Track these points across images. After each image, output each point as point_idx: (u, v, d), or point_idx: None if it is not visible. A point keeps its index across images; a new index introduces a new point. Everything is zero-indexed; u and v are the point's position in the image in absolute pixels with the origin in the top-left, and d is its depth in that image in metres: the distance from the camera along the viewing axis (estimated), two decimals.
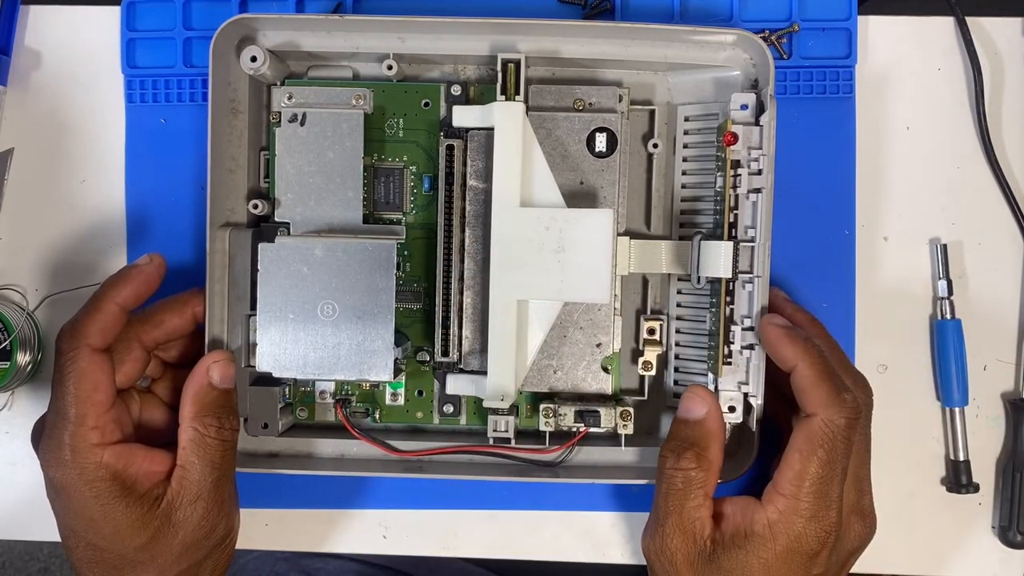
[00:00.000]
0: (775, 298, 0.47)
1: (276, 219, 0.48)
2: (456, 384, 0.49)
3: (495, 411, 0.49)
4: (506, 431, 0.49)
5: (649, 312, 0.51)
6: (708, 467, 0.43)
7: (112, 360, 0.45)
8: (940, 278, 0.52)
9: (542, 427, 0.49)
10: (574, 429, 0.49)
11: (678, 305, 0.51)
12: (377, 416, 0.51)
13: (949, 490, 0.52)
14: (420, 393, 0.51)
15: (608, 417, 0.48)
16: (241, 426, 0.49)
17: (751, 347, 0.46)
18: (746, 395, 0.46)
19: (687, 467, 0.43)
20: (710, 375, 0.48)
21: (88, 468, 0.43)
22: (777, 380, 0.45)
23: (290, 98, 0.49)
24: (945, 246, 0.52)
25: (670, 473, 0.43)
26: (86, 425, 0.43)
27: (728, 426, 0.46)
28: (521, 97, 0.47)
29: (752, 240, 0.46)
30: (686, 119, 0.50)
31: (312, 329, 0.47)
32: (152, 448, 0.45)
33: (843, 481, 0.42)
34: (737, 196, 0.46)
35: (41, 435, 0.44)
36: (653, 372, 0.50)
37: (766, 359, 0.45)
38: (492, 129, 0.46)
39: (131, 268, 0.47)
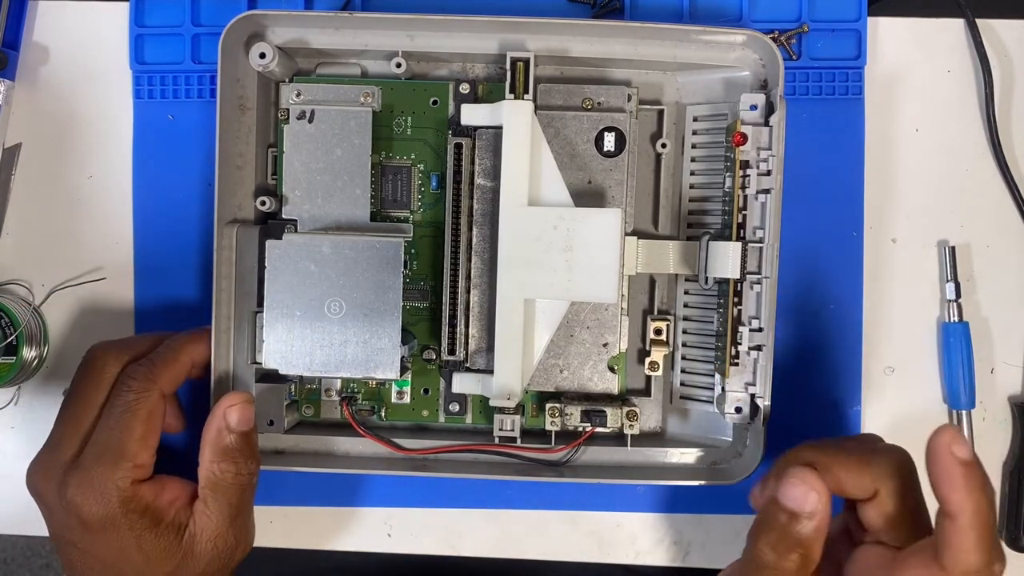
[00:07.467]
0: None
1: (284, 216, 0.48)
2: (462, 383, 0.49)
3: (501, 410, 0.49)
4: (512, 430, 0.49)
5: (656, 312, 0.51)
6: (810, 565, 0.39)
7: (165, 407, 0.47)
8: (948, 280, 0.52)
9: (548, 426, 0.49)
10: (580, 429, 0.49)
11: (685, 306, 0.51)
12: (383, 414, 0.51)
13: None
14: (426, 391, 0.51)
15: (614, 417, 0.48)
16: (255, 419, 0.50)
17: (759, 348, 0.46)
18: (753, 396, 0.46)
19: (788, 568, 0.39)
20: (717, 376, 0.48)
21: (130, 504, 0.43)
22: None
23: (298, 95, 0.49)
24: (953, 248, 0.52)
25: (770, 572, 0.39)
26: (136, 463, 0.44)
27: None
28: (530, 96, 0.46)
29: (760, 241, 0.46)
30: (695, 119, 0.50)
31: (319, 326, 0.47)
32: (172, 478, 0.46)
33: None
34: (746, 197, 0.46)
35: (49, 470, 0.44)
36: (660, 372, 0.50)
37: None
38: (500, 128, 0.46)
39: (208, 332, 0.48)
